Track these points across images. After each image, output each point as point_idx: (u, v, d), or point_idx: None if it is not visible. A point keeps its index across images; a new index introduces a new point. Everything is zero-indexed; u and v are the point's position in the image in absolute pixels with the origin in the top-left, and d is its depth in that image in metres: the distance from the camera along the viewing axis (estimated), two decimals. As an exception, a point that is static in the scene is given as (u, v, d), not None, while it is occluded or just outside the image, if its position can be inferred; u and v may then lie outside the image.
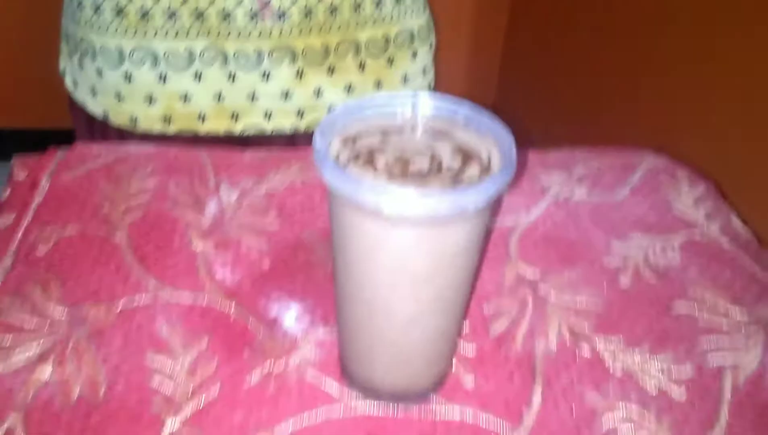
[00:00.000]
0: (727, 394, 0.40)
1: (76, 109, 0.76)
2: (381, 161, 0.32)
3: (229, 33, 0.67)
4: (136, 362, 0.39)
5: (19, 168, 0.53)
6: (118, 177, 0.52)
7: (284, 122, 0.73)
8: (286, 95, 0.71)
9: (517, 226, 0.52)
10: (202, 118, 0.71)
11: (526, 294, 0.46)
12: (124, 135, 0.73)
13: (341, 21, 0.69)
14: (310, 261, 0.47)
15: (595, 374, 0.41)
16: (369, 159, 0.32)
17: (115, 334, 0.40)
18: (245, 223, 0.49)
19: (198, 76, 0.69)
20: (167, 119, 0.71)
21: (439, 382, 0.39)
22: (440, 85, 0.82)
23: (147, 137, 0.72)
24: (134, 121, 0.71)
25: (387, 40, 0.72)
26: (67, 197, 0.50)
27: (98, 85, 0.71)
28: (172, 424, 0.36)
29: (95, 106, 0.73)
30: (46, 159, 0.54)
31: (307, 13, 0.67)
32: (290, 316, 0.42)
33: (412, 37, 0.74)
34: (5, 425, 0.35)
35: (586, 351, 0.42)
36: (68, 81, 0.76)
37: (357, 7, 0.69)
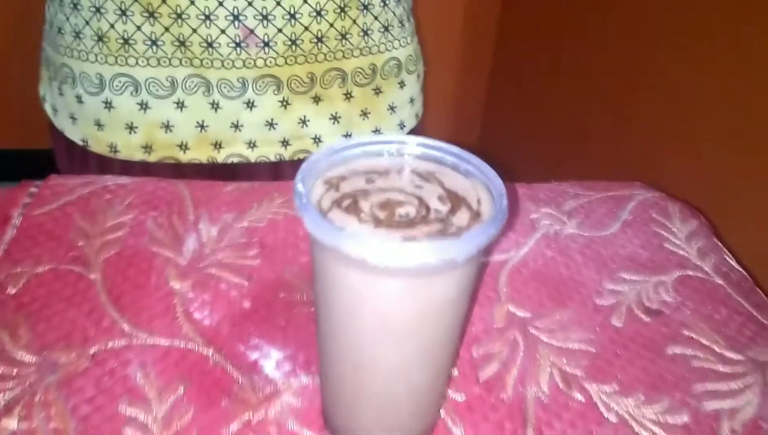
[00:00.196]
0: (725, 443, 0.39)
1: (56, 134, 0.75)
2: (366, 206, 0.31)
3: (213, 61, 0.65)
4: (108, 412, 0.37)
5: (-9, 201, 0.52)
6: (94, 211, 0.51)
7: (268, 151, 0.71)
8: (271, 124, 0.70)
9: (506, 262, 0.51)
10: (184, 147, 0.70)
11: (517, 335, 0.44)
12: (104, 161, 0.71)
13: (327, 50, 0.68)
14: (292, 301, 0.45)
15: (589, 423, 0.39)
16: (353, 204, 0.31)
17: (87, 381, 0.38)
18: (225, 260, 0.48)
19: (180, 105, 0.67)
20: (148, 148, 0.69)
21: (427, 434, 0.37)
22: (427, 115, 0.81)
23: (129, 164, 0.70)
24: (114, 149, 0.70)
25: (374, 70, 0.71)
26: (40, 233, 0.48)
27: (78, 112, 0.69)
28: (144, 481, 0.34)
29: (75, 134, 0.71)
30: (19, 192, 0.52)
31: (293, 41, 0.66)
32: (270, 362, 0.40)
33: (399, 66, 0.73)
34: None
35: (579, 397, 0.40)
36: (48, 107, 0.74)
37: (343, 36, 0.68)
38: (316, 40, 0.67)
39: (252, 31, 0.64)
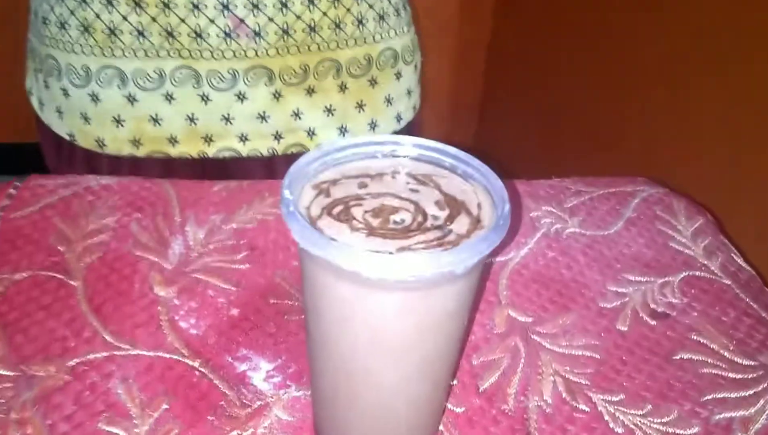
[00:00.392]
0: (737, 455, 0.37)
1: (43, 128, 0.72)
2: (358, 213, 0.29)
3: (202, 52, 0.63)
4: (88, 430, 0.35)
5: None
6: (75, 214, 0.48)
7: (261, 145, 0.69)
8: (263, 117, 0.67)
9: (507, 263, 0.49)
10: (173, 141, 0.67)
11: (518, 342, 0.42)
12: (92, 156, 0.69)
13: (320, 40, 0.65)
14: (283, 308, 0.43)
15: (595, 436, 0.37)
16: (345, 210, 0.29)
17: (66, 397, 0.36)
18: (213, 264, 0.46)
19: (169, 97, 0.65)
20: (136, 142, 0.67)
21: (424, 449, 0.36)
22: (422, 111, 0.79)
23: (117, 158, 0.68)
24: (101, 143, 0.67)
25: (369, 60, 0.68)
26: (19, 237, 0.46)
27: (64, 106, 0.67)
28: (125, 504, 0.32)
29: (61, 128, 0.69)
30: (-3, 193, 0.50)
31: (284, 31, 0.63)
32: (260, 374, 0.38)
33: (395, 56, 0.71)
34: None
35: (584, 408, 0.39)
36: (34, 101, 0.72)
37: (337, 26, 0.65)
38: (308, 30, 0.64)
39: (242, 21, 0.62)
